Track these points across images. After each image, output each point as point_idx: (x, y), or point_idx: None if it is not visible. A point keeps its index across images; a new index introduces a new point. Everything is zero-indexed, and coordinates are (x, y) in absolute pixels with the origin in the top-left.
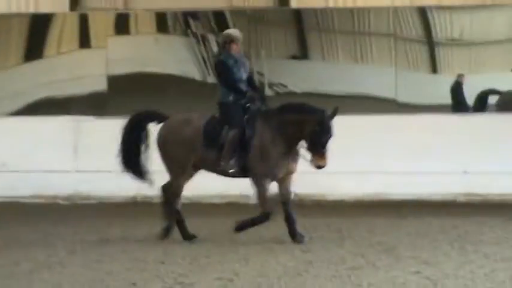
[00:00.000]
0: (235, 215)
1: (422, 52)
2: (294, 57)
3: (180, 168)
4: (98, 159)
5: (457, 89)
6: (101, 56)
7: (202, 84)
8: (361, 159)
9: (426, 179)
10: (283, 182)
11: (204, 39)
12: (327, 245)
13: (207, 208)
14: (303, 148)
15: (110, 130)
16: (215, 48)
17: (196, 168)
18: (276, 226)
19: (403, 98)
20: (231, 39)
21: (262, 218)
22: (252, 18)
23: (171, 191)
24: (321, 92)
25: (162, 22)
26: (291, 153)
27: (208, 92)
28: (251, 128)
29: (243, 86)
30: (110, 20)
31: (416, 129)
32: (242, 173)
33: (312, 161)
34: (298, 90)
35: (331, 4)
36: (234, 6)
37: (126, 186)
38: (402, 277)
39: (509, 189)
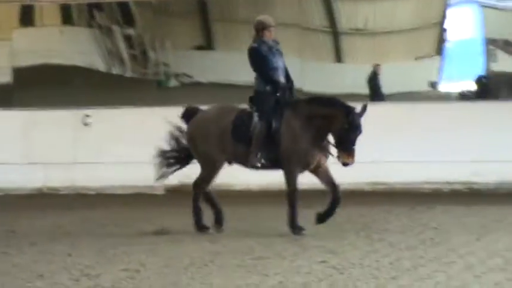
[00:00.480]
0: (140, 206)
1: (327, 42)
2: (200, 48)
3: (209, 164)
4: (3, 151)
5: (373, 79)
6: (6, 48)
7: (107, 75)
8: None
9: (332, 168)
10: (321, 174)
11: (109, 30)
12: (234, 235)
13: (111, 199)
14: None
15: (15, 122)
16: (120, 40)
17: (230, 163)
18: (183, 217)
19: (308, 87)
20: (263, 26)
21: (292, 195)
22: (156, 9)
23: (199, 184)
24: (227, 82)
25: (66, 14)
26: (321, 146)
27: (113, 84)
28: (278, 120)
29: (279, 75)
30: (15, 11)
31: None
32: (273, 165)
33: (338, 157)
34: (204, 80)
35: None
36: None
37: (33, 177)
38: (308, 266)
39: (413, 178)
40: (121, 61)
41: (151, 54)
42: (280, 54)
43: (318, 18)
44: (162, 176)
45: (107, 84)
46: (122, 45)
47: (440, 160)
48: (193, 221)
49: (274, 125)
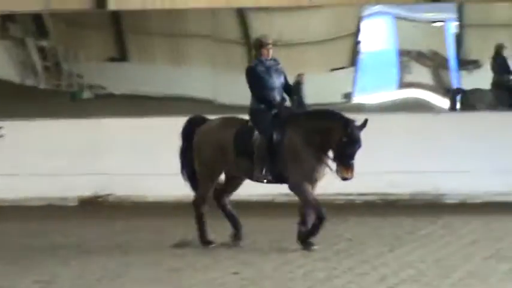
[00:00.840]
0: (54, 218)
1: (241, 53)
2: (113, 59)
3: (208, 174)
4: None
5: (297, 88)
6: None
7: (21, 87)
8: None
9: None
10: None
11: (23, 42)
12: (147, 246)
13: (25, 211)
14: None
15: None
16: (33, 51)
17: (233, 175)
18: (96, 228)
19: (221, 98)
20: (260, 44)
21: (320, 222)
22: (70, 21)
23: (198, 195)
24: (140, 94)
25: None
26: (321, 160)
27: (26, 95)
28: (280, 134)
29: (274, 94)
30: None
31: None
32: (278, 179)
33: (337, 171)
34: (117, 92)
35: (149, 6)
36: (53, 9)
37: None
38: (221, 278)
39: (328, 189)
40: (35, 73)
41: (64, 66)
42: (279, 72)
43: (232, 30)
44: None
45: (20, 95)
46: (36, 57)
47: (355, 171)
48: (198, 235)
49: (275, 137)
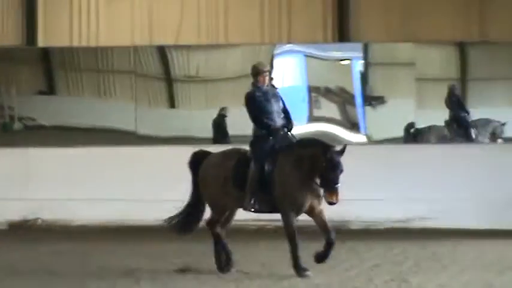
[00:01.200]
0: None
1: (162, 88)
2: (42, 93)
3: (215, 207)
4: None
5: (220, 122)
6: None
7: None
8: (104, 187)
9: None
10: (315, 217)
11: None
12: (71, 269)
13: None
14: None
15: None
16: None
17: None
18: (24, 251)
19: (143, 130)
20: (257, 72)
21: (291, 238)
22: (1, 56)
23: (211, 217)
24: (68, 125)
25: None
26: (312, 188)
27: None
28: (271, 164)
29: (273, 118)
30: None
31: (155, 160)
32: (269, 209)
33: (324, 196)
34: (46, 123)
35: (75, 43)
36: None
37: None
38: None
39: (242, 216)
40: None
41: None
42: (277, 98)
43: (153, 66)
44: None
45: None
46: None
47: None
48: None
49: (266, 168)
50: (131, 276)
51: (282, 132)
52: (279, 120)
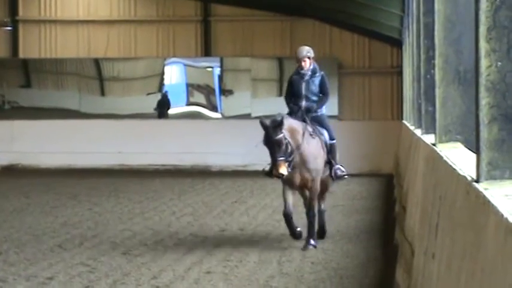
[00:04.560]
0: None
1: (96, 84)
2: (22, 86)
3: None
4: None
5: (163, 100)
6: None
7: None
8: (58, 144)
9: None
10: (300, 192)
11: None
12: (40, 193)
13: None
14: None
15: None
16: None
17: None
18: None
19: (84, 109)
20: (296, 59)
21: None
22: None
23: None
24: (38, 106)
25: None
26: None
27: None
28: None
29: (296, 100)
30: None
31: (91, 130)
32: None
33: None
34: (25, 105)
35: (43, 55)
36: None
37: None
38: None
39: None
40: None
41: None
42: (314, 82)
43: (91, 71)
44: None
45: None
46: None
47: (164, 151)
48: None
49: None
50: (77, 197)
51: (298, 113)
52: (306, 102)
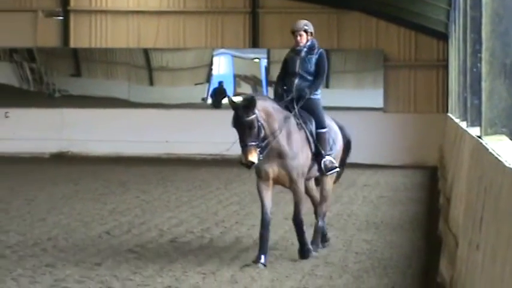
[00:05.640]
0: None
1: (145, 73)
2: (73, 75)
3: None
4: None
5: (220, 89)
6: None
7: (21, 90)
8: (108, 133)
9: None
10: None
11: (22, 64)
12: (89, 179)
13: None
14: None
15: None
16: (27, 70)
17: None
18: None
19: (133, 99)
20: (292, 31)
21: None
22: (48, 52)
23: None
24: (87, 95)
25: None
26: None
27: (23, 94)
28: None
29: (289, 80)
30: None
31: (140, 118)
32: None
33: None
34: (74, 93)
35: (93, 45)
36: (38, 46)
37: None
38: None
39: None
40: (28, 82)
41: (45, 78)
42: (309, 60)
43: (140, 60)
44: None
45: (19, 94)
46: (29, 73)
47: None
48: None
49: None
50: (125, 185)
51: (285, 98)
52: (300, 80)
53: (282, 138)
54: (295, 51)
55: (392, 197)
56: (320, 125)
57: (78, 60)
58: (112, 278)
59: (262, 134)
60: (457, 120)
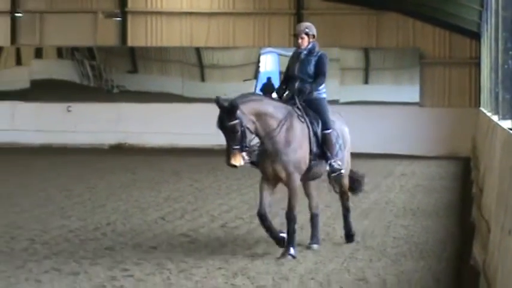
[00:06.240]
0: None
1: (197, 70)
2: (130, 72)
3: None
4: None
5: (269, 84)
6: (25, 73)
7: (82, 86)
8: (163, 125)
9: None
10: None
11: (82, 62)
12: (145, 169)
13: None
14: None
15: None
16: (88, 67)
17: None
18: None
19: (186, 94)
20: (293, 34)
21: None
22: (107, 50)
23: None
24: (144, 90)
25: (59, 53)
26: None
27: (84, 90)
28: None
29: (290, 83)
30: (32, 50)
31: (194, 113)
32: None
33: None
34: (131, 89)
35: (149, 44)
36: (98, 45)
37: None
38: None
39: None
40: (88, 78)
41: (104, 75)
42: (309, 62)
43: (192, 58)
44: None
45: (81, 90)
46: (89, 70)
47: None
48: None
49: None
50: (179, 174)
51: (284, 96)
52: (300, 84)
53: (280, 137)
54: (296, 54)
55: (428, 186)
56: (325, 126)
57: (134, 58)
58: (167, 260)
59: (247, 137)
60: (489, 114)
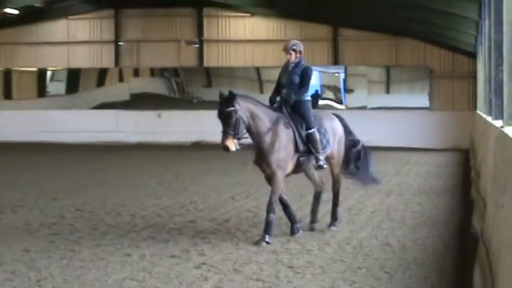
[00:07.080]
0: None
1: (257, 85)
2: (205, 86)
3: None
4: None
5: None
6: (126, 88)
7: (169, 98)
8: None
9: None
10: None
11: (170, 79)
12: (218, 160)
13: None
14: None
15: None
16: (174, 83)
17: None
18: None
19: None
20: (283, 50)
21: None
22: (188, 71)
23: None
24: (216, 100)
25: (152, 73)
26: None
27: (170, 101)
28: None
29: (283, 90)
30: (131, 70)
31: None
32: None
33: None
34: (206, 99)
35: (220, 64)
36: (181, 65)
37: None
38: None
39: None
40: (174, 92)
41: (186, 89)
42: (296, 73)
43: (253, 76)
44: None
45: (168, 101)
46: (175, 85)
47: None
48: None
49: None
50: (245, 164)
51: (275, 104)
52: (287, 91)
53: (267, 139)
54: (285, 67)
55: (437, 172)
56: (308, 126)
57: (209, 75)
58: (236, 230)
59: (240, 126)
60: (484, 116)
